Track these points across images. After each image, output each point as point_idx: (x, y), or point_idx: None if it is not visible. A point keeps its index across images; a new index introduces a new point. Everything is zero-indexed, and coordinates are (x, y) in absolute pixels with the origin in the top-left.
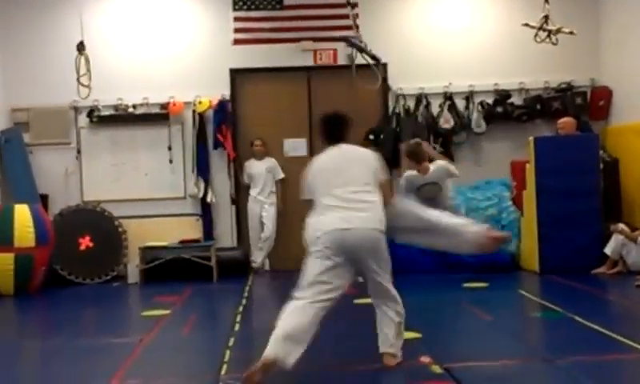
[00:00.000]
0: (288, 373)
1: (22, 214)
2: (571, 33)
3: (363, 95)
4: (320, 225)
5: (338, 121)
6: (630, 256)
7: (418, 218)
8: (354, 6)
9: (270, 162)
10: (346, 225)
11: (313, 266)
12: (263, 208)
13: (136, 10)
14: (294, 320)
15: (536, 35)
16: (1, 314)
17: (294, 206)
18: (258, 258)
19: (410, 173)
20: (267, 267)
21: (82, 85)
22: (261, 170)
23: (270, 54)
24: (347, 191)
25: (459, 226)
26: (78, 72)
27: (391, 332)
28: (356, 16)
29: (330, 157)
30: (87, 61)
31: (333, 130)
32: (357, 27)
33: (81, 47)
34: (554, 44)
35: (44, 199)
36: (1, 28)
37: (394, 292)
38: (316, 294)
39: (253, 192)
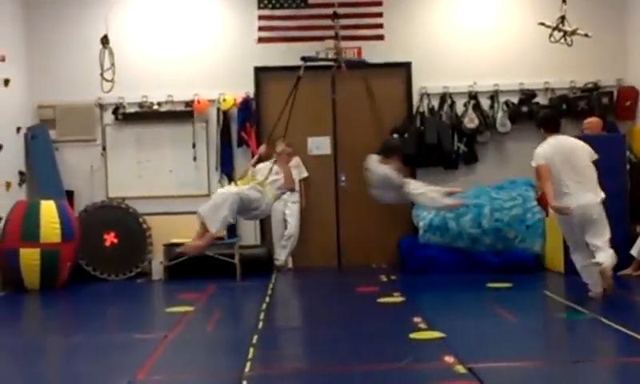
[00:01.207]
0: (311, 373)
1: (48, 210)
2: (586, 35)
3: (387, 94)
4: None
5: (558, 118)
6: None
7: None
8: (339, 17)
9: (294, 160)
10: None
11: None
12: (287, 206)
13: (161, 8)
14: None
15: (551, 35)
16: (26, 309)
17: (317, 204)
18: (281, 255)
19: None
20: (290, 265)
21: (106, 79)
22: None
23: (295, 52)
24: (577, 175)
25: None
26: (101, 66)
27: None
28: (339, 27)
29: (557, 144)
30: (111, 54)
31: (556, 124)
32: (337, 37)
33: (105, 41)
34: (568, 45)
35: (70, 195)
36: (27, 25)
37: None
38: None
39: None
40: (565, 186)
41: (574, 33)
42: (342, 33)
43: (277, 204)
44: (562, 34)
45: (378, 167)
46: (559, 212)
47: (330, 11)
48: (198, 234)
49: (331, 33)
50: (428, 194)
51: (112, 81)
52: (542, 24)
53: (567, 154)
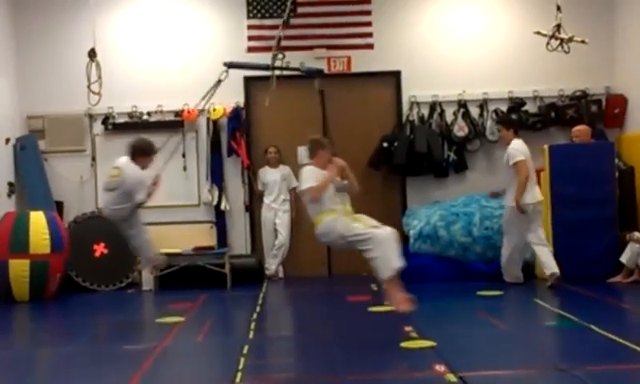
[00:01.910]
0: (302, 383)
1: (38, 221)
2: (583, 42)
3: (377, 103)
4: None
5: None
6: None
7: None
8: (286, 27)
9: (284, 169)
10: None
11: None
12: (277, 215)
13: (150, 18)
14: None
15: (548, 44)
16: (16, 321)
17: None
18: (272, 265)
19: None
20: (281, 275)
21: (93, 92)
22: (275, 178)
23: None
24: (533, 175)
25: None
26: (88, 79)
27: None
28: (281, 37)
29: (523, 145)
30: (98, 67)
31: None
32: (279, 47)
33: (92, 54)
34: (566, 52)
35: (59, 206)
36: (16, 36)
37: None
38: None
39: (267, 199)
40: (529, 183)
41: (570, 40)
42: (331, 42)
43: (268, 213)
44: (558, 41)
45: (131, 167)
46: (521, 210)
47: (319, 21)
48: (389, 288)
49: (322, 42)
50: (142, 236)
51: (99, 94)
52: (538, 33)
53: (528, 155)
